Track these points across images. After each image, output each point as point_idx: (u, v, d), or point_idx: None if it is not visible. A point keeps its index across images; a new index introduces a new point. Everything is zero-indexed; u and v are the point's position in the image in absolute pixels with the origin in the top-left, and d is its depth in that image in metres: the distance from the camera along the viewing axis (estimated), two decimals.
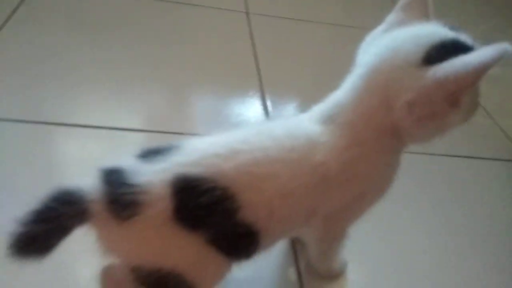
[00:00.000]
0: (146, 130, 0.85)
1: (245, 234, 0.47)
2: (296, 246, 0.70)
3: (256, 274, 0.65)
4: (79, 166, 0.73)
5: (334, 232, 0.59)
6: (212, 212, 0.44)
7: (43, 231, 0.42)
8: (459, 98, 0.44)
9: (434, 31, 0.46)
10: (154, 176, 0.44)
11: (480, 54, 0.42)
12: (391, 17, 0.51)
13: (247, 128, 0.51)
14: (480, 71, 0.41)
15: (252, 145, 0.47)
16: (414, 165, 0.90)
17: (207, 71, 1.05)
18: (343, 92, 0.51)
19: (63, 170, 0.74)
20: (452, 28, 0.47)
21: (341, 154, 0.48)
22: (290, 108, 1.01)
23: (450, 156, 0.98)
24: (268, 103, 0.99)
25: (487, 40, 0.43)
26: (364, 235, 0.71)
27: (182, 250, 0.46)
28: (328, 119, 0.50)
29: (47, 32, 1.04)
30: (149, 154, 0.47)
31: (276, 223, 0.48)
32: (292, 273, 0.67)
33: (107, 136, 0.81)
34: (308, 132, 0.50)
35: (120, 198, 0.43)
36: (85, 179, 0.45)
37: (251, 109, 0.98)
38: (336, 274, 0.67)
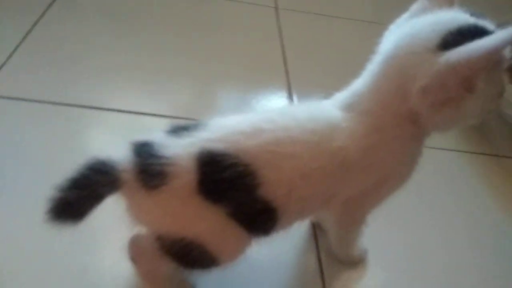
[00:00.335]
0: (173, 116, 0.88)
1: (264, 210, 0.48)
2: (317, 232, 0.71)
3: (276, 258, 0.67)
4: (109, 146, 0.76)
5: (353, 217, 0.59)
6: (233, 186, 0.46)
7: (78, 197, 0.44)
8: (473, 82, 0.43)
9: (454, 17, 0.46)
10: (181, 149, 0.46)
11: (492, 38, 0.42)
12: (415, 6, 0.51)
13: (272, 110, 0.52)
14: (491, 53, 0.41)
15: (276, 125, 0.48)
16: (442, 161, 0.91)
17: (235, 64, 1.07)
18: (362, 80, 0.52)
19: (93, 149, 0.78)
20: (474, 14, 0.47)
21: (360, 140, 0.49)
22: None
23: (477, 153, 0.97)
24: (294, 98, 1.00)
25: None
26: (384, 225, 0.72)
27: (204, 221, 0.47)
28: (349, 106, 0.51)
29: (83, 21, 1.09)
30: (178, 129, 0.49)
31: (295, 202, 0.49)
32: (312, 258, 0.68)
33: (136, 121, 0.84)
34: (330, 117, 0.50)
35: (149, 168, 0.45)
36: (117, 151, 0.47)
37: (277, 103, 1.00)
38: (356, 261, 0.68)
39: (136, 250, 0.55)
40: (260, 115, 0.51)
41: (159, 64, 1.01)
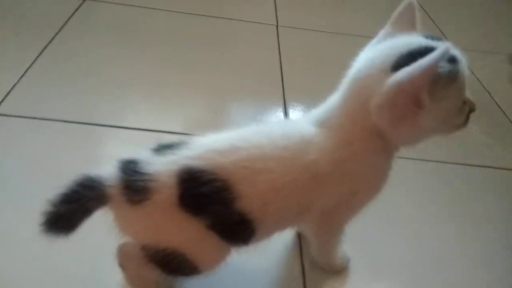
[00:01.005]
0: (181, 132, 0.93)
1: (241, 222, 0.52)
2: (301, 240, 0.74)
3: (260, 266, 0.70)
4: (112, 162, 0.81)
5: (329, 228, 0.62)
6: (212, 200, 0.50)
7: (69, 211, 0.49)
8: (420, 98, 0.47)
9: (408, 41, 0.50)
10: (163, 166, 0.50)
11: (429, 56, 0.45)
12: (382, 31, 0.55)
13: (249, 128, 0.56)
14: (427, 70, 0.45)
15: (250, 143, 0.52)
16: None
17: (238, 80, 1.13)
18: (334, 98, 0.55)
19: (101, 166, 0.83)
20: (432, 37, 0.51)
21: (332, 153, 0.52)
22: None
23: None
24: (290, 111, 1.04)
25: None
26: (366, 231, 0.76)
27: (185, 232, 0.51)
28: (322, 122, 0.55)
29: (98, 42, 1.16)
30: (162, 148, 0.53)
31: (270, 214, 0.53)
32: (296, 266, 0.70)
33: (148, 137, 0.89)
34: (303, 133, 0.54)
35: (133, 184, 0.50)
36: (106, 168, 0.52)
37: (273, 116, 1.04)
38: (338, 269, 0.70)
39: (123, 256, 0.59)
40: (236, 133, 0.55)
41: (169, 80, 1.08)
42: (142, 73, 1.09)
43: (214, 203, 0.50)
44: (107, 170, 0.52)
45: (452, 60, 0.48)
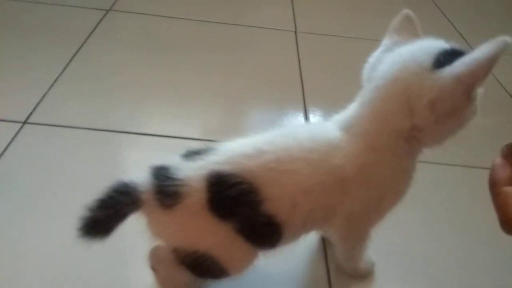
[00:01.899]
0: (202, 139, 0.95)
1: (268, 224, 0.53)
2: (326, 244, 0.74)
3: (286, 269, 0.71)
4: (140, 168, 0.83)
5: (356, 232, 0.63)
6: (239, 203, 0.51)
7: (105, 216, 0.51)
8: (473, 91, 0.49)
9: (435, 43, 0.53)
10: (193, 172, 0.52)
11: (485, 49, 0.47)
12: (386, 40, 0.57)
13: (274, 131, 0.57)
14: (490, 61, 0.47)
15: (276, 146, 0.53)
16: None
17: (258, 86, 1.14)
18: (358, 104, 0.56)
19: (126, 171, 0.85)
20: (446, 40, 0.53)
21: (357, 159, 0.53)
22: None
23: None
24: (310, 116, 1.05)
25: None
26: (392, 237, 0.76)
27: (214, 236, 0.53)
28: (347, 127, 0.55)
29: (121, 51, 1.19)
30: (191, 154, 0.55)
31: (298, 217, 0.54)
32: (321, 270, 0.71)
33: (170, 144, 0.92)
34: (329, 137, 0.55)
35: (165, 189, 0.52)
36: (139, 175, 0.54)
37: (294, 121, 1.05)
38: (363, 274, 0.71)
39: (155, 259, 0.61)
40: (262, 137, 0.56)
41: (190, 87, 1.10)
42: (164, 81, 1.11)
43: (241, 206, 0.52)
44: (140, 176, 0.54)
45: None
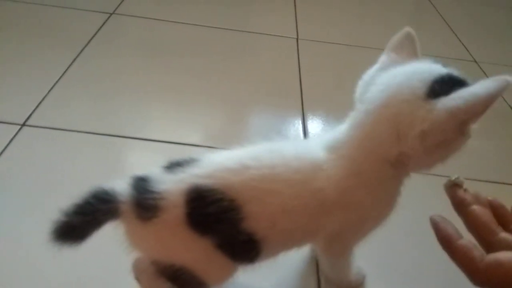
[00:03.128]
0: (201, 145, 0.95)
1: (248, 241, 0.52)
2: (317, 256, 0.74)
3: (276, 281, 0.71)
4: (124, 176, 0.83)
5: (337, 250, 0.63)
6: (219, 220, 0.50)
7: (81, 222, 0.49)
8: (467, 126, 0.48)
9: (432, 67, 0.51)
10: (172, 185, 0.51)
11: (486, 85, 0.46)
12: (383, 58, 0.55)
13: (261, 146, 0.56)
14: (489, 100, 0.46)
15: (261, 163, 0.52)
16: None
17: (258, 92, 1.15)
18: (348, 126, 0.55)
19: (124, 176, 0.85)
20: (443, 65, 0.52)
21: (339, 183, 0.52)
22: (328, 130, 1.07)
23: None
24: (308, 123, 1.05)
25: None
26: (384, 248, 0.76)
27: (192, 251, 0.52)
28: (332, 149, 0.54)
29: (123, 55, 1.20)
30: (173, 165, 0.54)
31: (278, 235, 0.53)
32: (312, 282, 0.71)
33: (169, 149, 0.92)
34: (314, 157, 0.54)
35: (143, 201, 0.51)
36: (120, 183, 0.53)
37: (292, 129, 1.05)
38: (353, 286, 0.70)
39: (138, 270, 0.61)
40: (248, 151, 0.55)
41: (190, 92, 1.10)
42: (165, 86, 1.12)
43: (221, 223, 0.51)
44: (121, 184, 0.53)
45: None
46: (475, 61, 1.45)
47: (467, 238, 0.45)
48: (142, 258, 0.59)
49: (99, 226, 0.51)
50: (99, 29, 1.28)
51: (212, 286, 0.57)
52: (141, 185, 0.52)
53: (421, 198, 0.88)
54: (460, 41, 1.57)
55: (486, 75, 1.38)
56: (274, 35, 1.41)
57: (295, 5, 1.62)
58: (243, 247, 0.53)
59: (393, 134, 0.50)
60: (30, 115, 0.94)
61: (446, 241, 0.45)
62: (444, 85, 0.48)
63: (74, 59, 1.14)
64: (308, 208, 0.52)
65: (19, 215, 0.74)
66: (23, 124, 0.92)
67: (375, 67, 0.55)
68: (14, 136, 0.88)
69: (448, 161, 0.53)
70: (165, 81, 1.13)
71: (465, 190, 0.48)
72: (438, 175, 0.93)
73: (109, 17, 1.35)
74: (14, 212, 0.74)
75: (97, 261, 0.68)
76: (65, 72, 1.09)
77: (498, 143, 1.11)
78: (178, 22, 1.39)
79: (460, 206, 0.48)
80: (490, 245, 0.45)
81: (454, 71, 0.51)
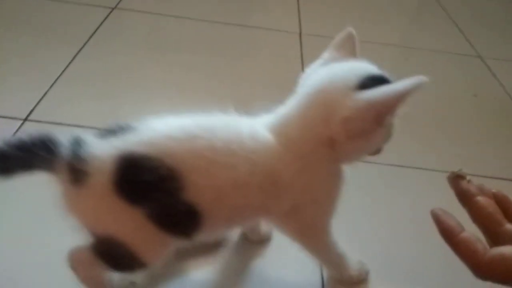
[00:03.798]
0: None
1: (187, 213, 0.51)
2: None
3: (280, 277, 0.70)
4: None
5: (307, 232, 0.62)
6: (154, 189, 0.49)
7: (16, 156, 0.48)
8: (384, 118, 0.52)
9: (367, 66, 0.55)
10: (103, 151, 0.50)
11: (403, 83, 0.50)
12: (326, 55, 0.59)
13: (212, 117, 0.56)
14: (403, 95, 0.50)
15: (214, 135, 0.52)
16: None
17: (260, 87, 1.14)
18: (289, 107, 0.57)
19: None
20: (379, 67, 0.56)
21: (290, 165, 0.54)
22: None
23: None
24: None
25: None
26: (390, 244, 0.76)
27: (120, 222, 0.51)
28: (277, 130, 0.55)
29: (125, 50, 1.19)
30: (108, 132, 0.52)
31: (223, 210, 0.53)
32: (315, 277, 0.71)
33: None
34: (266, 137, 0.55)
35: (73, 164, 0.49)
36: (67, 138, 0.51)
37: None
38: (356, 281, 0.70)
39: (74, 259, 0.58)
40: (196, 121, 0.55)
41: (192, 87, 1.10)
42: (167, 81, 1.11)
43: (156, 192, 0.49)
44: (66, 140, 0.51)
45: None
46: (480, 57, 1.44)
47: (470, 231, 0.45)
48: (80, 248, 0.57)
49: (28, 169, 0.50)
50: (100, 24, 1.28)
51: (146, 263, 0.55)
52: (75, 147, 0.50)
53: (422, 194, 0.88)
54: (464, 36, 1.55)
55: (490, 70, 1.37)
56: (277, 30, 1.40)
57: (298, 0, 1.61)
58: (181, 219, 0.52)
59: (324, 118, 0.53)
60: (32, 110, 0.94)
61: (448, 234, 0.45)
62: (375, 82, 0.52)
63: (76, 55, 1.13)
64: (262, 186, 0.53)
65: (23, 211, 0.74)
66: (25, 119, 0.91)
67: (318, 62, 0.59)
68: (17, 130, 0.88)
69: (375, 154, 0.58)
70: (166, 76, 1.13)
71: (469, 181, 0.48)
72: (439, 171, 0.93)
73: (111, 11, 1.35)
74: (17, 207, 0.74)
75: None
76: (66, 67, 1.08)
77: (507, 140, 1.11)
78: (180, 17, 1.38)
79: (464, 197, 0.47)
80: (496, 235, 0.45)
81: (387, 74, 0.55)
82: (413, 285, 0.73)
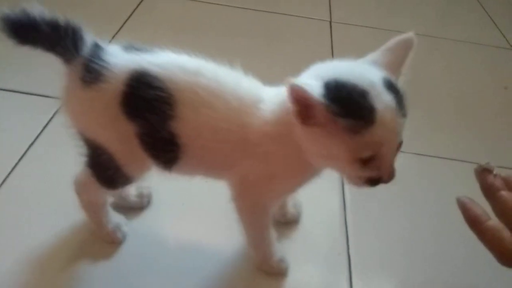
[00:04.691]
0: None
1: (169, 142, 0.54)
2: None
3: (305, 278, 0.71)
4: None
5: (248, 196, 0.61)
6: (150, 109, 0.52)
7: (43, 31, 0.51)
8: (307, 115, 0.47)
9: (357, 69, 0.51)
10: (122, 61, 0.53)
11: (311, 84, 0.47)
12: (370, 56, 0.56)
13: (226, 67, 0.58)
14: (290, 91, 0.47)
15: (214, 77, 0.54)
16: None
17: (289, 74, 1.15)
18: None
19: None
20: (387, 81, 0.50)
21: (261, 127, 0.54)
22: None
23: None
24: None
25: None
26: (407, 231, 0.76)
27: (115, 130, 0.55)
28: (271, 101, 0.55)
29: (157, 34, 1.21)
30: (131, 47, 0.56)
31: (198, 148, 0.55)
32: (342, 259, 0.73)
33: None
34: (259, 97, 0.55)
35: (90, 65, 0.53)
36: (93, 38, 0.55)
37: None
38: (273, 272, 0.69)
39: (77, 182, 0.65)
40: (209, 65, 0.57)
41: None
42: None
43: (152, 113, 0.52)
44: (93, 41, 0.54)
45: (351, 102, 0.46)
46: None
47: (496, 220, 0.46)
48: (82, 173, 0.63)
49: (49, 49, 0.53)
50: (135, 8, 1.30)
51: (129, 177, 0.60)
52: (95, 50, 0.54)
53: (448, 184, 0.89)
54: (497, 27, 1.53)
55: None
56: (307, 18, 1.41)
57: None
58: (163, 146, 0.55)
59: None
60: None
61: (474, 222, 0.46)
62: (338, 86, 0.47)
63: (111, 39, 1.17)
64: (231, 137, 0.54)
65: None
66: None
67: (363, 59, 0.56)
68: (57, 111, 0.92)
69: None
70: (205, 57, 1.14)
71: (495, 175, 0.48)
72: (467, 162, 0.94)
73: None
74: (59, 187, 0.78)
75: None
76: None
77: None
78: (210, 3, 1.40)
79: (489, 192, 0.48)
80: None
81: (364, 84, 0.48)
82: (436, 271, 0.75)
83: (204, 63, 0.57)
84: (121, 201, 0.76)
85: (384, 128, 0.46)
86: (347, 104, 0.46)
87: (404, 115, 0.48)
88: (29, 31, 0.51)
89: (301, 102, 0.47)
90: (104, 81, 0.53)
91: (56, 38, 0.52)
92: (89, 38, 0.54)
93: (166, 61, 0.55)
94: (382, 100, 0.46)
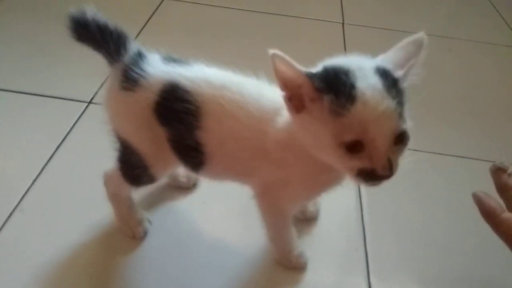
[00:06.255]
0: None
1: (195, 149, 0.58)
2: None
3: (323, 272, 0.73)
4: None
5: (271, 201, 0.63)
6: (179, 119, 0.57)
7: (91, 31, 0.56)
8: (298, 101, 0.49)
9: (349, 61, 0.52)
10: (158, 72, 0.58)
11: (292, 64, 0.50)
12: (382, 55, 0.55)
13: (249, 79, 0.60)
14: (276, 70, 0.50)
15: (239, 90, 0.57)
16: None
17: None
18: None
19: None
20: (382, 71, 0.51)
21: (275, 134, 0.55)
22: None
23: None
24: None
25: None
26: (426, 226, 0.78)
27: (147, 134, 0.59)
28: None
29: (174, 38, 1.25)
30: (169, 58, 0.60)
31: (222, 157, 0.59)
32: (360, 255, 0.76)
33: None
34: (280, 107, 0.55)
35: (129, 72, 0.57)
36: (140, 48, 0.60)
37: None
38: (294, 265, 0.71)
39: (106, 175, 0.70)
40: (235, 78, 0.59)
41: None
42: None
43: (179, 122, 0.57)
44: (136, 47, 0.59)
45: (344, 84, 0.47)
46: None
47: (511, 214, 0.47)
48: (111, 168, 0.67)
49: (95, 48, 0.58)
50: (153, 14, 1.34)
51: (154, 176, 0.64)
52: (137, 58, 0.59)
53: (462, 182, 0.91)
54: (509, 26, 1.53)
55: None
56: (319, 20, 1.43)
57: None
58: (190, 152, 0.59)
59: None
60: (96, 93, 1.02)
61: (490, 214, 0.47)
62: (335, 74, 0.49)
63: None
64: (253, 145, 0.57)
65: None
66: (90, 102, 1.00)
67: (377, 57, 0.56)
68: (82, 113, 0.96)
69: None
70: (209, 62, 1.17)
71: (510, 174, 0.49)
72: (481, 160, 0.95)
73: (161, 2, 1.41)
74: (84, 185, 0.81)
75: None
76: None
77: None
78: (224, 7, 1.43)
79: (502, 190, 0.49)
80: None
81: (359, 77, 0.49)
82: (452, 266, 0.76)
83: (231, 76, 0.60)
84: (171, 180, 0.82)
85: (366, 108, 0.45)
86: (330, 80, 0.47)
87: (400, 103, 0.47)
88: (82, 30, 0.57)
89: (289, 84, 0.49)
90: (140, 89, 0.57)
91: (101, 40, 0.57)
92: (133, 46, 0.59)
93: (196, 74, 0.58)
94: (366, 80, 0.47)
